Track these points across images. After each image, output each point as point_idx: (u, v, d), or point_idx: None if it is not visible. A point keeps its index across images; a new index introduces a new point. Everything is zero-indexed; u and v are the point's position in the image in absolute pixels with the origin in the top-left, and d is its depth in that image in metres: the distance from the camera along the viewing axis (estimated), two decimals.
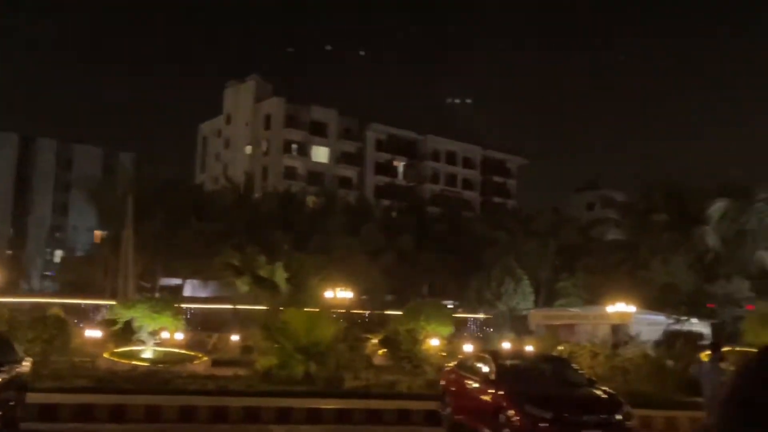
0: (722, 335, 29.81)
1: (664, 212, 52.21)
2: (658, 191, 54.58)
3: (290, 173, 75.72)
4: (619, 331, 29.68)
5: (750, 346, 23.74)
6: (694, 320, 35.35)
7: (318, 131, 79.05)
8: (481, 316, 42.94)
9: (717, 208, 36.76)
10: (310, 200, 59.02)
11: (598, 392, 12.63)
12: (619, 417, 11.53)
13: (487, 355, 14.23)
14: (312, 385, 18.36)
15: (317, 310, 22.90)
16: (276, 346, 20.23)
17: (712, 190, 44.21)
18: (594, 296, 38.44)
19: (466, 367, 14.46)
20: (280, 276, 33.85)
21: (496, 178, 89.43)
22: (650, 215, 53.42)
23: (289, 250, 40.81)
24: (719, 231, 37.04)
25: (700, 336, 33.35)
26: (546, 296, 45.06)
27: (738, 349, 24.75)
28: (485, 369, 13.35)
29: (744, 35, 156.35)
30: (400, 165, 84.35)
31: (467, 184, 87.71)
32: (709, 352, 25.42)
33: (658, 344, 29.27)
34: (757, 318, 24.09)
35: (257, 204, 50.28)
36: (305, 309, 23.30)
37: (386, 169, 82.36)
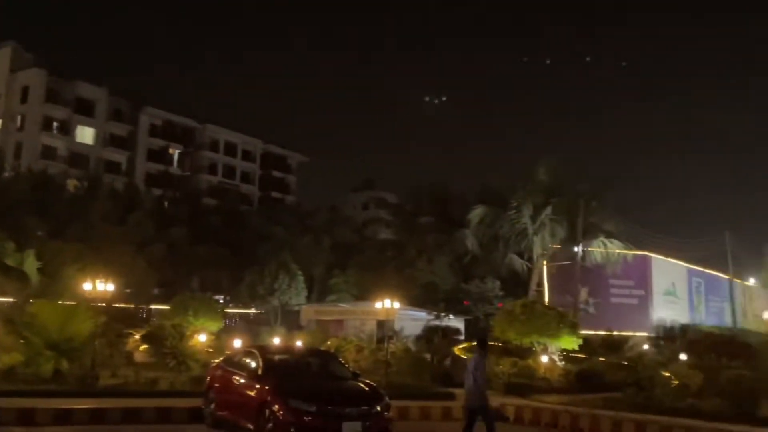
0: (483, 332, 32.40)
1: (430, 215, 55.86)
2: (425, 195, 58.29)
3: (49, 153, 69.08)
4: (384, 326, 31.08)
5: (497, 340, 26.08)
6: (451, 316, 38.14)
7: (84, 110, 73.05)
8: (252, 311, 42.53)
9: (476, 213, 39.90)
10: (71, 184, 54.31)
11: (361, 385, 13.08)
12: (378, 408, 12.05)
13: (254, 351, 14.06)
14: (63, 384, 17.00)
15: (73, 303, 21.11)
16: (21, 341, 18.41)
17: (473, 196, 48.05)
18: (364, 293, 39.88)
19: (232, 363, 14.19)
20: (31, 265, 30.70)
21: (276, 173, 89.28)
22: (418, 217, 56.88)
23: (43, 237, 37.23)
24: (477, 235, 40.22)
25: (456, 331, 36.11)
26: (319, 292, 45.85)
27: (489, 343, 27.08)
28: (252, 364, 13.25)
29: (507, 49, 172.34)
30: (175, 153, 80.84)
31: (246, 178, 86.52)
32: (460, 346, 27.54)
33: (418, 339, 31.14)
34: (504, 315, 26.51)
35: (6, 184, 45.10)
36: (59, 302, 21.46)
37: (160, 156, 78.44)
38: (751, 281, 70.92)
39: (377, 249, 51.87)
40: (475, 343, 13.62)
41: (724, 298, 56.17)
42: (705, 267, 56.41)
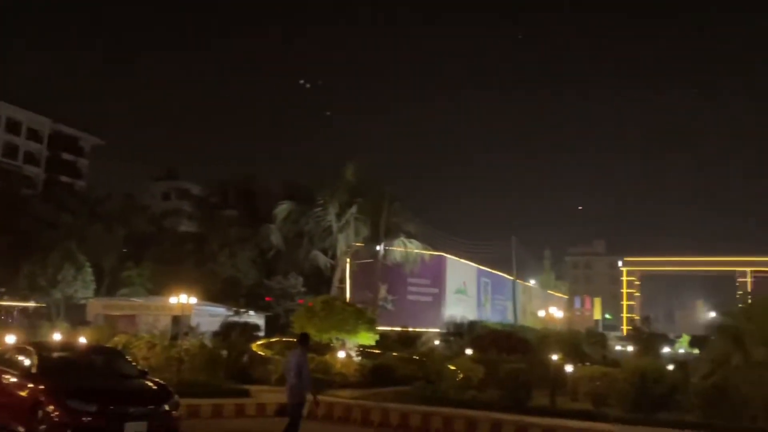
0: (283, 327, 32.20)
1: (235, 208, 54.66)
2: (232, 188, 56.97)
3: None
4: (180, 322, 29.86)
5: (295, 336, 26.06)
6: (251, 312, 37.58)
7: None
8: (32, 304, 38.88)
9: (282, 209, 39.71)
10: None
11: (149, 383, 12.47)
12: (166, 407, 11.56)
13: (29, 347, 12.85)
14: None
15: None
16: None
17: (281, 192, 47.80)
18: (159, 287, 38.07)
19: (3, 361, 12.82)
20: None
21: (66, 156, 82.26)
22: (222, 210, 55.42)
23: None
24: (283, 230, 40.03)
25: (256, 327, 35.61)
26: (109, 285, 43.06)
27: (285, 339, 27.00)
28: (26, 362, 12.22)
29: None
30: None
31: (30, 158, 78.77)
32: (258, 342, 27.13)
33: (216, 335, 30.26)
34: (304, 311, 26.57)
35: None
36: None
37: None
38: (532, 282, 77.90)
39: (176, 241, 49.73)
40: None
41: (508, 297, 61.11)
42: (493, 268, 61.00)
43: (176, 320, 30.29)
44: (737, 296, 77.69)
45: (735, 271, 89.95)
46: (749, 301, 33.23)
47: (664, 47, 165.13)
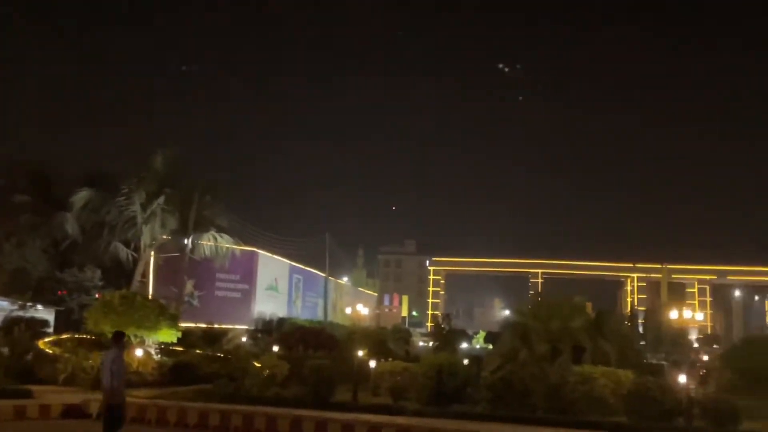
0: (69, 323, 29.84)
1: (27, 194, 49.81)
2: (23, 172, 51.89)
3: None
4: None
5: (90, 333, 24.30)
6: (39, 307, 34.50)
7: None
8: None
9: (81, 196, 36.93)
10: None
11: None
12: None
13: None
14: None
15: None
16: None
17: (82, 178, 44.33)
18: None
19: None
20: None
21: None
22: (12, 195, 50.28)
23: None
24: (80, 219, 37.27)
25: (44, 323, 32.72)
26: None
27: (77, 336, 25.09)
28: None
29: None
30: None
31: None
32: (46, 339, 25.02)
33: None
34: (99, 306, 24.85)
35: None
36: None
37: None
38: (345, 279, 79.26)
39: None
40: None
41: (320, 294, 61.62)
42: (307, 265, 61.21)
43: None
44: (529, 296, 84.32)
45: (528, 272, 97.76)
46: (539, 300, 36.23)
47: (463, 41, 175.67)
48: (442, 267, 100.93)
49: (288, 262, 55.84)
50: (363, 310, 46.37)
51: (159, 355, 24.46)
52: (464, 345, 47.43)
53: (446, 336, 40.05)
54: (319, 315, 58.85)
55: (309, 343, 28.70)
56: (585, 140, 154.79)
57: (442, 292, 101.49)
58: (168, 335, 24.83)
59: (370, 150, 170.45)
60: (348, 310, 61.38)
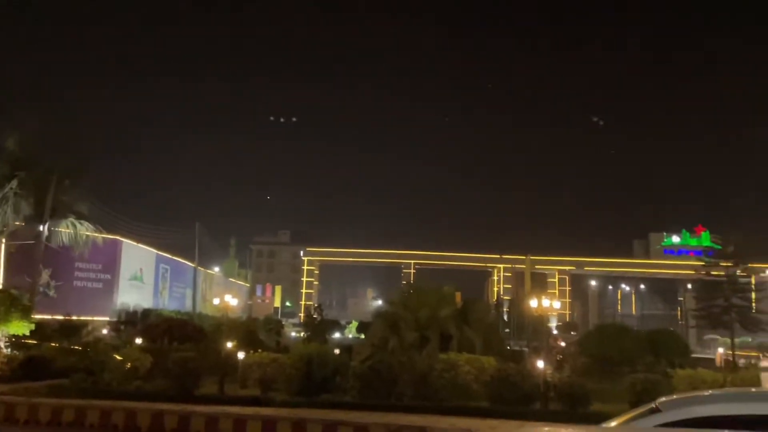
0: None
1: None
2: None
3: None
4: None
5: None
6: None
7: None
8: None
9: None
10: None
11: None
12: None
13: None
14: None
15: None
16: None
17: None
18: None
19: None
20: None
21: None
22: None
23: None
24: None
25: None
26: None
27: None
28: None
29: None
30: None
31: None
32: None
33: None
34: None
35: None
36: None
37: None
38: (216, 270, 77.30)
39: None
40: None
41: (188, 284, 59.73)
42: (176, 255, 59.10)
43: None
44: (402, 286, 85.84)
45: (401, 263, 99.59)
46: (410, 290, 36.91)
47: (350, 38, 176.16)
48: (317, 257, 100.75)
49: (154, 251, 53.70)
50: (232, 301, 45.37)
51: (9, 349, 22.84)
52: (337, 335, 47.73)
53: (318, 326, 40.02)
54: (188, 306, 57.08)
55: (174, 335, 27.76)
56: (456, 134, 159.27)
57: (316, 283, 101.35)
58: (19, 327, 23.28)
59: (243, 142, 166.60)
60: (216, 301, 59.97)
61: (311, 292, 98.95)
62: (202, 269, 63.83)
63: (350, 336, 49.66)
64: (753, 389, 5.95)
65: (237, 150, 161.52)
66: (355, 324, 55.25)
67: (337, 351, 24.82)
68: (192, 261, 59.51)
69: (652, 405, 3.88)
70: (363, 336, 38.17)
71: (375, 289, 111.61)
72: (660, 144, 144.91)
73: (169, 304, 53.80)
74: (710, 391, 5.09)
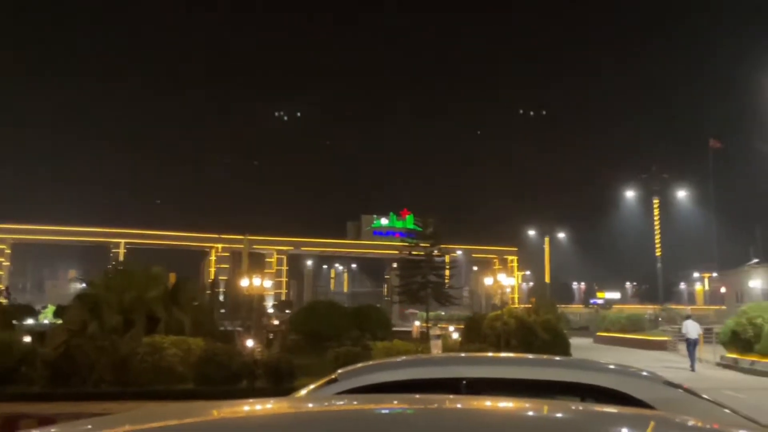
0: None
1: None
2: None
3: None
4: None
5: None
6: None
7: None
8: None
9: None
10: None
11: None
12: None
13: None
14: None
15: None
16: None
17: None
18: None
19: None
20: None
21: None
22: None
23: None
24: None
25: None
26: None
27: None
28: None
29: None
30: None
31: None
32: None
33: None
34: None
35: None
36: None
37: None
38: None
39: None
40: None
41: None
42: None
43: None
44: (110, 267, 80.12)
45: (110, 242, 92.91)
46: (114, 271, 34.52)
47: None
48: (8, 235, 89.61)
49: None
50: None
51: None
52: (30, 321, 43.03)
53: (3, 312, 35.62)
54: None
55: None
56: (170, 116, 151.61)
57: (7, 263, 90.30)
58: None
59: None
60: None
61: (1, 274, 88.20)
62: None
63: (46, 322, 45.16)
64: (423, 357, 6.60)
65: None
66: (51, 308, 50.40)
67: (28, 338, 22.37)
68: None
69: (332, 376, 4.03)
70: (60, 321, 34.93)
71: (80, 270, 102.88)
72: (374, 133, 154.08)
73: None
74: (384, 360, 5.56)
